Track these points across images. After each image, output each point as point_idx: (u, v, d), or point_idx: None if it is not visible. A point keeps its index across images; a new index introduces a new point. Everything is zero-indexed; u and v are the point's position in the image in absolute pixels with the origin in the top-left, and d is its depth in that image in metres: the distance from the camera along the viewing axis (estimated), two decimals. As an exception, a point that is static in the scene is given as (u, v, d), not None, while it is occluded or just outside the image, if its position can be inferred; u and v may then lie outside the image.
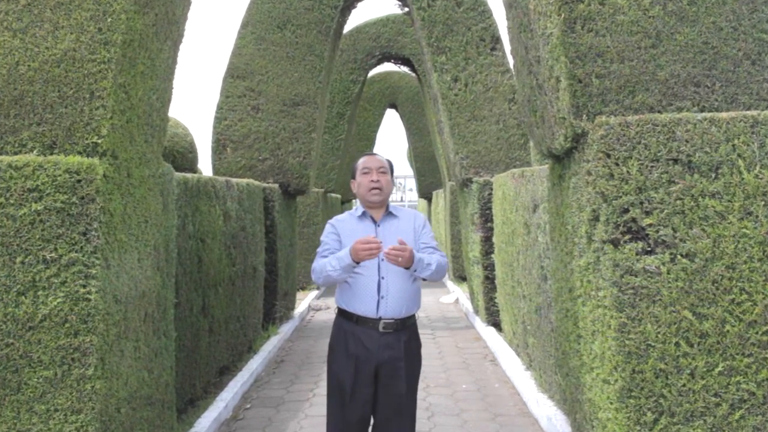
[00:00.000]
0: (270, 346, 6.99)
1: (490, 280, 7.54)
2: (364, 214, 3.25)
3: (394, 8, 9.89)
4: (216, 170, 8.18)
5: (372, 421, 3.24)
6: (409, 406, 3.20)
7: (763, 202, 2.69)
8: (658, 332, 2.71)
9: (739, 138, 2.72)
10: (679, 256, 2.71)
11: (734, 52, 3.02)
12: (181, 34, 3.78)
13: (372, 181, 3.20)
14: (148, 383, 3.42)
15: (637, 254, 2.73)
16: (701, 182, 2.72)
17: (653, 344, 2.71)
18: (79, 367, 2.74)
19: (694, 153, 2.73)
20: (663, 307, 2.71)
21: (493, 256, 7.26)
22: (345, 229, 3.22)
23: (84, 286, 2.74)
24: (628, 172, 2.76)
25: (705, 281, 2.70)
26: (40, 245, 2.74)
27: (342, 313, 3.23)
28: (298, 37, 8.41)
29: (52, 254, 2.74)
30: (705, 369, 2.70)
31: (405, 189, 41.57)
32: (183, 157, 7.09)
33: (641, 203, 2.74)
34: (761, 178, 2.70)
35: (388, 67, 14.91)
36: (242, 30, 8.41)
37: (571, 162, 3.24)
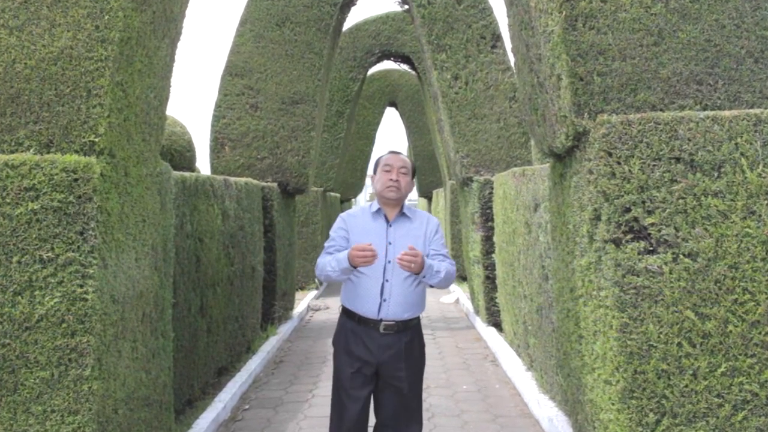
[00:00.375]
0: (269, 347, 6.96)
1: (490, 279, 7.51)
2: (378, 211, 3.25)
3: (393, 5, 9.85)
4: (214, 169, 8.15)
5: (375, 421, 3.24)
6: (412, 406, 3.20)
7: (766, 201, 2.67)
8: (660, 332, 2.69)
9: (741, 136, 2.70)
10: (681, 256, 2.69)
11: (737, 49, 3.00)
12: (179, 32, 3.76)
13: (391, 180, 3.20)
14: (145, 384, 3.39)
15: (639, 254, 2.71)
16: (704, 181, 2.70)
17: (655, 345, 2.69)
18: (76, 368, 2.72)
19: (697, 152, 2.71)
20: (665, 307, 2.69)
21: (493, 255, 7.24)
22: (356, 226, 3.22)
23: (81, 286, 2.72)
24: (630, 170, 2.73)
25: (707, 281, 2.68)
26: (36, 245, 2.72)
27: (345, 312, 3.25)
28: (297, 34, 8.38)
29: (49, 254, 2.72)
30: (707, 369, 2.68)
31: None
32: (181, 155, 7.07)
33: (643, 202, 2.72)
34: (764, 177, 2.68)
35: (387, 65, 14.92)
36: (241, 28, 8.37)
37: (573, 161, 3.22)
